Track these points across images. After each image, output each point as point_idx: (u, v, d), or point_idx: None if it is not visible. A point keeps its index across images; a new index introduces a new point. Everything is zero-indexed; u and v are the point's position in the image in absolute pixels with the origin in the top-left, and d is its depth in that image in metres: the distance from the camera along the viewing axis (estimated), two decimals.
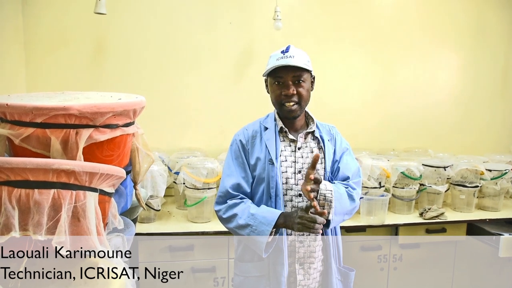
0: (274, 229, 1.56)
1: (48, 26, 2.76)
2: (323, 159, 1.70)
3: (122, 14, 2.85)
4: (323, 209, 1.57)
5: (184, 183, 2.50)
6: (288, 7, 3.01)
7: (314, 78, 1.70)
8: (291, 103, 1.61)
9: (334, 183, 1.69)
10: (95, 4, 2.49)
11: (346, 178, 1.72)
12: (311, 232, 1.51)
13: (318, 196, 1.56)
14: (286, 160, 1.67)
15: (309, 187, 1.49)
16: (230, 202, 1.64)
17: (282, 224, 1.55)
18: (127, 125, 1.29)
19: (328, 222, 1.60)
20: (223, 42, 3.03)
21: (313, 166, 1.51)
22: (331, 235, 1.72)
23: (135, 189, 1.56)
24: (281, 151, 1.67)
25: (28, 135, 1.11)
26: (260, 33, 3.05)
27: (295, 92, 1.61)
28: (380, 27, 3.26)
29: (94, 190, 1.11)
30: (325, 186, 1.58)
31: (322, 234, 1.69)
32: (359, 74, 3.28)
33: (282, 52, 1.61)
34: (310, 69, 1.63)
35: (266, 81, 1.71)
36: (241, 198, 1.65)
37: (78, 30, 2.81)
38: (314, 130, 1.72)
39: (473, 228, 2.70)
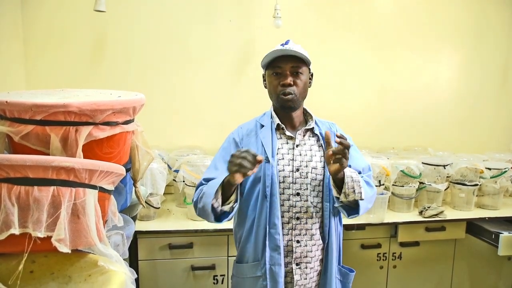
0: (233, 198, 1.52)
1: (47, 24, 2.76)
2: (322, 157, 1.67)
3: (122, 11, 2.84)
4: (354, 191, 1.50)
5: (183, 181, 2.50)
6: (288, 5, 3.00)
7: (312, 75, 1.69)
8: (288, 94, 1.60)
9: None
10: (94, 1, 2.48)
11: (358, 173, 1.68)
12: (237, 171, 1.39)
13: (346, 178, 1.50)
14: (283, 158, 1.64)
15: (330, 151, 1.42)
16: (200, 187, 1.63)
17: (227, 183, 1.48)
18: (126, 122, 1.28)
19: (358, 209, 1.57)
20: (222, 40, 3.02)
21: (328, 144, 1.46)
22: (335, 233, 1.70)
23: (135, 186, 1.56)
24: (278, 148, 1.65)
25: (27, 132, 1.11)
26: (260, 31, 3.04)
27: (292, 82, 1.59)
28: (380, 25, 3.25)
29: (93, 187, 1.11)
30: (348, 170, 1.54)
31: (322, 234, 1.68)
32: (359, 73, 3.28)
33: (282, 45, 1.61)
34: (309, 61, 1.62)
35: (264, 75, 1.70)
36: None
37: (77, 27, 2.80)
38: (313, 127, 1.70)
39: (473, 226, 2.70)
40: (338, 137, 1.41)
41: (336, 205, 1.60)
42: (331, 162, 1.45)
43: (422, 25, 3.33)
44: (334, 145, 1.47)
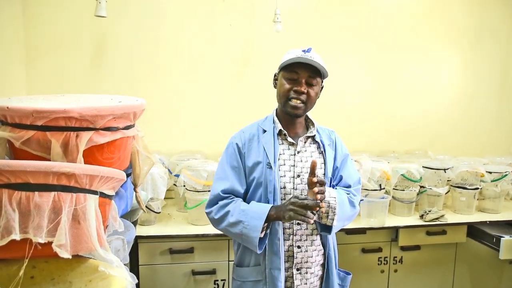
0: (266, 224, 1.55)
1: (48, 29, 2.77)
2: (322, 164, 1.69)
3: (122, 17, 2.85)
4: (327, 216, 1.59)
5: (184, 186, 2.50)
6: (288, 9, 3.01)
7: (322, 87, 1.70)
8: (298, 101, 1.60)
9: (335, 188, 1.70)
10: (95, 7, 2.49)
11: (348, 186, 1.73)
12: (303, 220, 1.46)
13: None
14: (284, 164, 1.65)
15: (316, 189, 1.46)
16: (221, 202, 1.62)
17: (274, 216, 1.53)
18: (127, 127, 1.29)
19: (330, 229, 1.62)
20: (223, 44, 3.03)
21: (312, 173, 1.50)
22: (332, 239, 1.72)
23: (136, 191, 1.56)
24: (280, 154, 1.65)
25: (28, 138, 1.11)
26: (260, 35, 3.05)
27: (305, 91, 1.60)
28: (380, 29, 3.26)
29: (94, 192, 1.11)
30: (328, 193, 1.57)
31: (317, 230, 1.68)
32: (359, 76, 3.28)
33: (304, 51, 1.60)
34: (326, 75, 1.63)
35: (276, 74, 1.69)
36: (231, 199, 1.64)
37: (78, 33, 2.81)
38: (314, 135, 1.71)
39: (474, 230, 2.70)
40: (319, 182, 1.48)
41: None
42: (314, 189, 1.48)
43: (422, 28, 3.34)
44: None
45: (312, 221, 1.47)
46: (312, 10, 3.14)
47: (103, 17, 2.53)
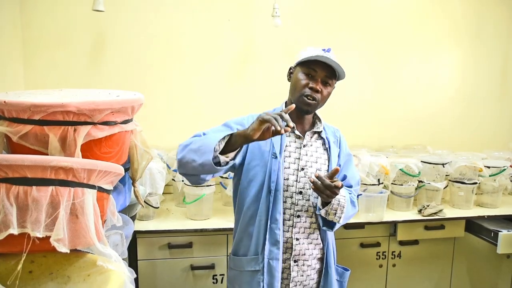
0: (234, 153, 1.47)
1: (46, 24, 2.75)
2: (326, 160, 1.72)
3: (120, 11, 2.84)
4: (335, 213, 1.59)
5: (183, 181, 2.50)
6: (287, 3, 3.00)
7: (333, 88, 1.71)
8: (312, 98, 1.61)
9: None
10: (93, 1, 2.48)
11: (350, 187, 1.75)
12: (270, 121, 1.34)
13: (333, 200, 1.57)
14: (289, 156, 1.67)
15: (336, 184, 1.47)
16: (196, 134, 1.59)
17: (241, 133, 1.43)
18: (125, 122, 1.28)
19: (333, 226, 1.64)
20: (221, 39, 3.02)
21: (331, 177, 1.50)
22: (331, 234, 1.74)
23: (134, 186, 1.56)
24: (286, 146, 1.67)
25: (26, 132, 1.11)
26: (259, 30, 3.04)
27: (320, 89, 1.61)
28: (380, 24, 3.25)
29: (92, 187, 1.11)
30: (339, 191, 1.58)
31: (319, 225, 1.69)
32: (358, 72, 3.27)
33: (324, 50, 1.63)
34: (342, 77, 1.66)
35: (292, 68, 1.70)
36: None
37: (76, 27, 2.80)
38: (321, 131, 1.73)
39: (472, 224, 2.71)
40: (335, 184, 1.48)
41: (317, 212, 1.65)
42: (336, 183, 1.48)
43: (421, 23, 3.33)
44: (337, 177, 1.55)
45: (282, 131, 1.33)
46: (312, 5, 3.13)
47: (101, 11, 2.51)
